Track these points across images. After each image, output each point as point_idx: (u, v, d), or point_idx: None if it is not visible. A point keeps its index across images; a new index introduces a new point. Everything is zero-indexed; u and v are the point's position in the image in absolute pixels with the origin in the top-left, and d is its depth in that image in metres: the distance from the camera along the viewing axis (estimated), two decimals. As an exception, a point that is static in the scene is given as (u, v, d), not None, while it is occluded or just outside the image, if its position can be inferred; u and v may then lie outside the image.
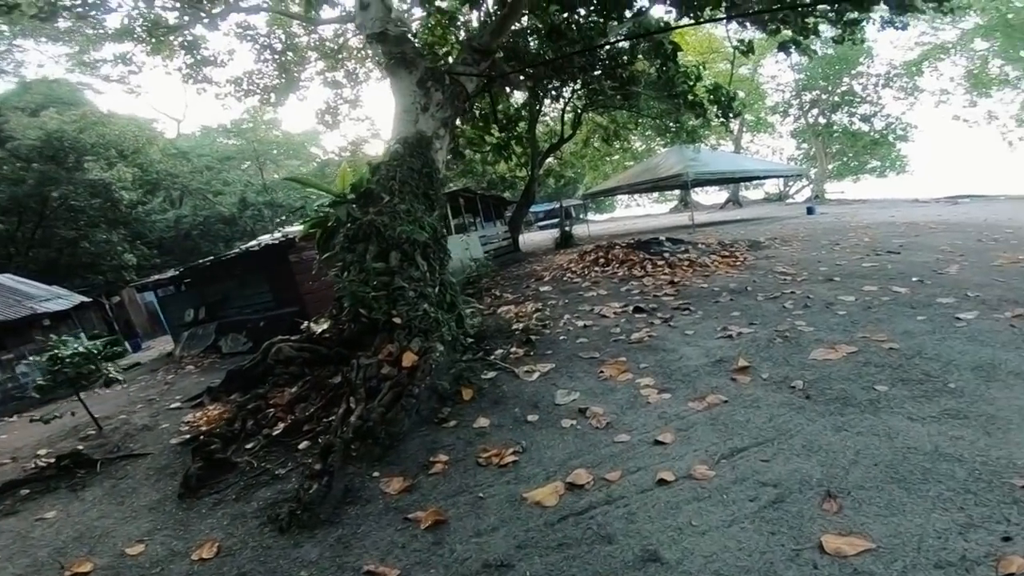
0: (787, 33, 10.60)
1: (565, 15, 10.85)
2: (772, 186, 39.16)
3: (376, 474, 3.50)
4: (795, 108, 34.60)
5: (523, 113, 16.22)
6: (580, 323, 6.04)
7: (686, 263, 8.26)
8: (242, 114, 34.49)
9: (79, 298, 14.58)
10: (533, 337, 5.68)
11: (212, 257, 14.56)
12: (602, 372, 4.50)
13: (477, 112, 13.61)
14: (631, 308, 6.20)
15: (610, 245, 9.96)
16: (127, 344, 16.99)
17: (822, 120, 33.46)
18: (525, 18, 11.56)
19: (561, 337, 5.67)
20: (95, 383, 6.29)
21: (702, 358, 4.46)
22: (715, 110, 13.89)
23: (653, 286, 7.32)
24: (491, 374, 4.91)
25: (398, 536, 2.82)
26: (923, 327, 4.45)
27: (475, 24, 12.59)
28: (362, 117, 30.68)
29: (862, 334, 4.44)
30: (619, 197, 48.76)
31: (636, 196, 45.97)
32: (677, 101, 14.52)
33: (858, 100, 32.07)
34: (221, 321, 12.08)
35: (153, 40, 13.08)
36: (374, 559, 2.65)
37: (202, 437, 4.75)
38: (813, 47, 10.49)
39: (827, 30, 10.92)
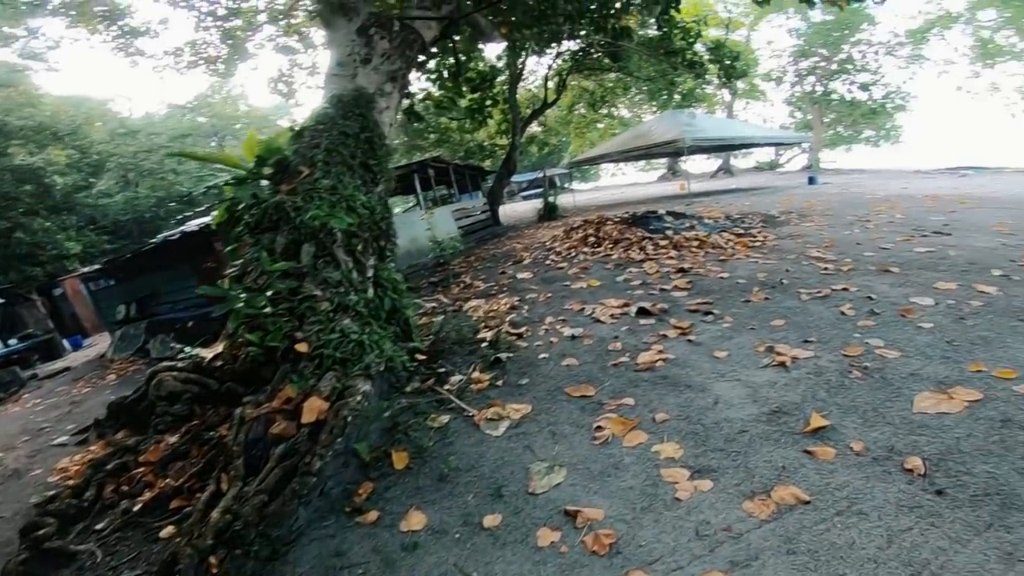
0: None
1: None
2: (763, 155, 37.79)
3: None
4: (791, 75, 32.84)
5: (498, 70, 14.43)
6: (567, 331, 4.57)
7: (695, 243, 6.80)
8: (207, 89, 33.01)
9: (-6, 297, 12.75)
10: (503, 355, 4.20)
11: (134, 247, 12.95)
12: (599, 428, 3.05)
13: (444, 71, 11.84)
14: (634, 309, 4.74)
15: (601, 220, 8.44)
16: (65, 342, 15.26)
17: (819, 88, 31.79)
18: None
19: (541, 355, 4.20)
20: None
21: (748, 405, 3.03)
22: (717, 70, 12.30)
23: (658, 275, 5.85)
24: (442, 419, 3.46)
25: None
26: (1059, 354, 3.07)
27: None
28: (322, 84, 28.42)
29: (974, 366, 3.03)
30: (604, 166, 47.06)
31: (622, 165, 44.27)
32: (674, 60, 12.94)
33: (857, 68, 30.45)
34: (151, 320, 10.46)
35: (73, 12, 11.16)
36: None
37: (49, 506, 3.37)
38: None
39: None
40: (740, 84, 34.69)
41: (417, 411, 3.56)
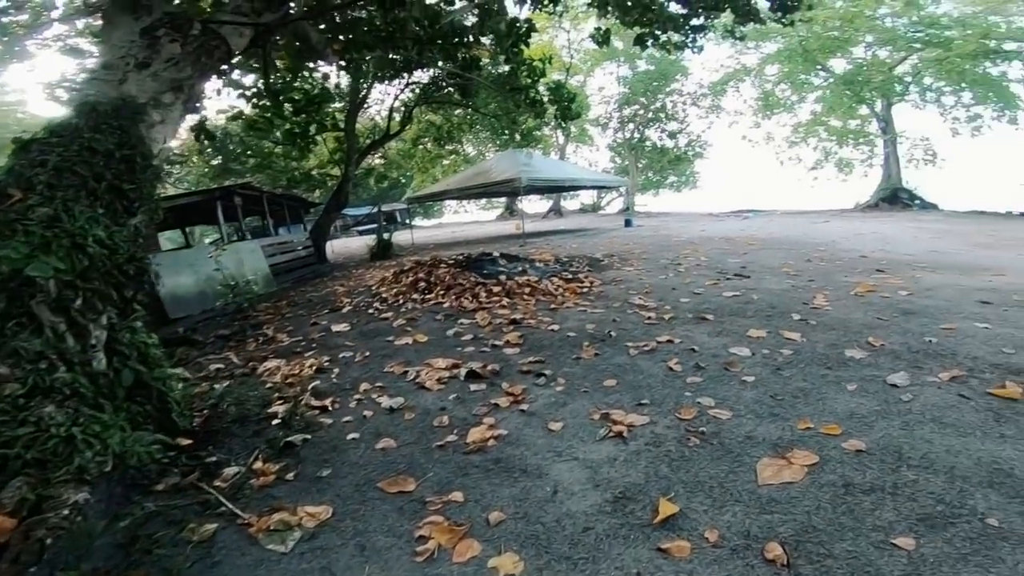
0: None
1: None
2: (587, 197, 41.14)
3: None
4: (615, 121, 36.32)
5: (330, 93, 13.37)
6: (384, 402, 3.82)
7: (527, 290, 6.55)
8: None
9: None
10: (298, 438, 3.32)
11: None
12: (422, 537, 2.37)
13: (261, 87, 10.50)
14: (463, 372, 4.16)
15: (434, 263, 7.89)
16: None
17: (637, 135, 35.61)
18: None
19: (350, 435, 3.39)
20: None
21: (591, 491, 2.58)
22: (554, 110, 12.73)
23: (490, 327, 5.41)
24: (206, 529, 2.49)
25: None
26: (866, 405, 3.16)
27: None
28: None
29: (802, 422, 2.98)
30: (448, 203, 47.29)
31: (464, 202, 44.89)
32: (518, 97, 13.11)
33: (668, 117, 34.76)
34: None
35: None
36: None
37: None
38: (673, 44, 9.85)
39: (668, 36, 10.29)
40: (572, 128, 37.59)
41: (170, 519, 2.55)
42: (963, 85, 24.05)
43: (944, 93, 25.27)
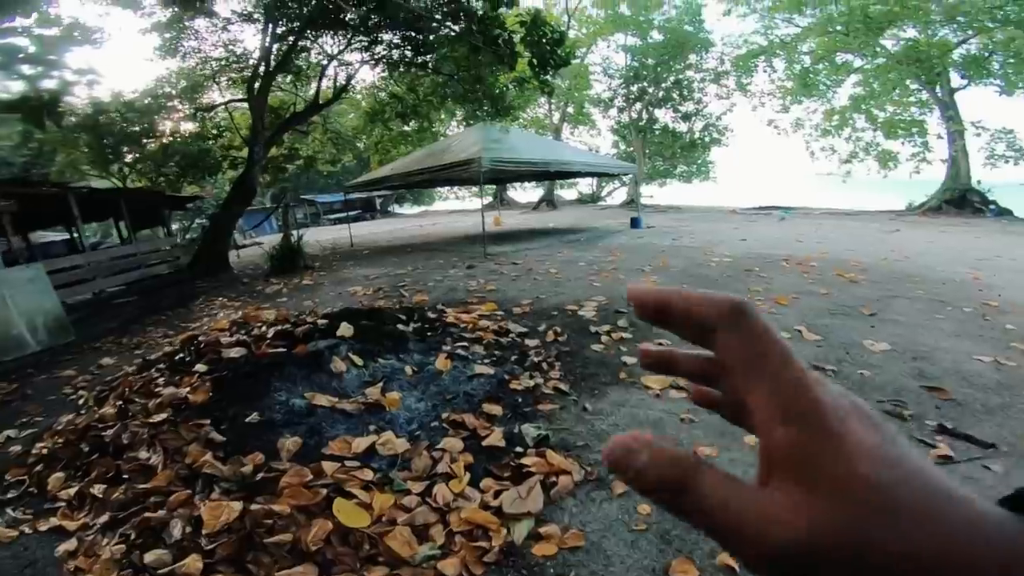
0: None
1: None
2: (586, 186, 36.28)
3: None
4: (620, 99, 31.05)
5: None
6: None
7: (341, 548, 2.02)
8: None
9: None
10: None
11: None
12: None
13: None
14: None
15: (195, 358, 3.31)
16: None
17: (645, 115, 30.38)
18: None
19: None
20: None
21: None
22: (531, 57, 8.17)
23: None
24: None
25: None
26: None
27: None
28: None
29: None
30: (439, 188, 42.16)
31: (457, 187, 39.77)
32: (472, 34, 8.53)
33: (684, 96, 29.52)
34: None
35: None
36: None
37: None
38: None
39: None
40: (570, 110, 32.46)
41: None
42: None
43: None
